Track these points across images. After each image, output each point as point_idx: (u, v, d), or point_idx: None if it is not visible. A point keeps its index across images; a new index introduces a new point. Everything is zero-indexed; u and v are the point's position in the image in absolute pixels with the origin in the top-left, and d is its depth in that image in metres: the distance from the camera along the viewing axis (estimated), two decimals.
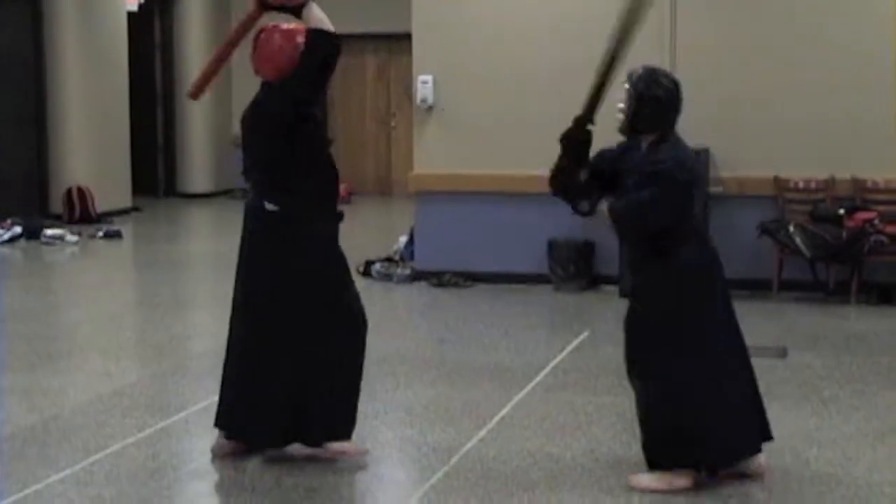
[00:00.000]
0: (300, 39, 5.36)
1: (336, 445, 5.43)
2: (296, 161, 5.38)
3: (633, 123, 5.31)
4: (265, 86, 5.49)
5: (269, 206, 5.39)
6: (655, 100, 5.26)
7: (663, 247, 5.21)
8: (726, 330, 5.25)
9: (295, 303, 5.35)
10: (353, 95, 18.66)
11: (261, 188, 5.47)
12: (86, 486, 5.20)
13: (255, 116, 5.48)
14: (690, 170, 5.33)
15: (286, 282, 5.36)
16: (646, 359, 5.21)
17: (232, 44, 5.54)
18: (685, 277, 5.21)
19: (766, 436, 5.33)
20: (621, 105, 5.32)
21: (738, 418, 5.18)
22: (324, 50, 5.30)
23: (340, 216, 5.58)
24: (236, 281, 5.56)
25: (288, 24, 5.45)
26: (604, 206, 5.28)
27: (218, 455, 5.55)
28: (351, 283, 5.55)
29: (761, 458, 5.26)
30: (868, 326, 8.69)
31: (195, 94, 5.66)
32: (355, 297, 5.53)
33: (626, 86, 5.32)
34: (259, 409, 5.38)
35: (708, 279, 5.24)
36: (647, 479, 5.17)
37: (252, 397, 5.39)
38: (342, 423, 5.45)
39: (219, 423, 5.56)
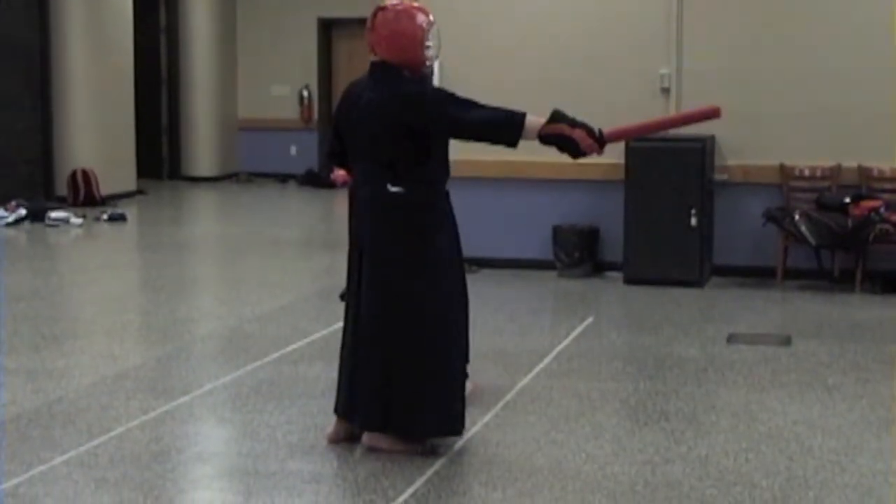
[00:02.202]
0: (421, 19, 5.34)
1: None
2: (421, 150, 5.35)
3: None
4: (384, 68, 5.37)
5: (394, 189, 5.31)
6: None
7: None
8: None
9: (428, 279, 5.36)
10: None
11: (382, 173, 5.33)
12: (90, 468, 5.20)
13: (394, 100, 5.29)
14: None
15: (418, 260, 5.35)
16: None
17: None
18: None
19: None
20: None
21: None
22: (501, 141, 5.34)
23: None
24: (356, 270, 5.44)
25: (403, 2, 5.41)
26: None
27: (333, 441, 5.52)
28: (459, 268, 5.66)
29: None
30: (873, 315, 8.68)
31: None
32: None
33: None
34: (417, 398, 5.34)
35: None
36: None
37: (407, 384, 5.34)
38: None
39: (346, 412, 5.50)
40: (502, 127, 5.27)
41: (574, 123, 5.24)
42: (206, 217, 15.96)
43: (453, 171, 10.29)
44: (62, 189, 15.05)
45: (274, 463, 5.28)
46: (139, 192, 16.20)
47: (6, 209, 13.30)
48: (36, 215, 13.34)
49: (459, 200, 10.21)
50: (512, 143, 5.30)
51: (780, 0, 9.86)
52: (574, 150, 5.26)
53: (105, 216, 13.73)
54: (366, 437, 5.44)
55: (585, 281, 9.94)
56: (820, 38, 9.73)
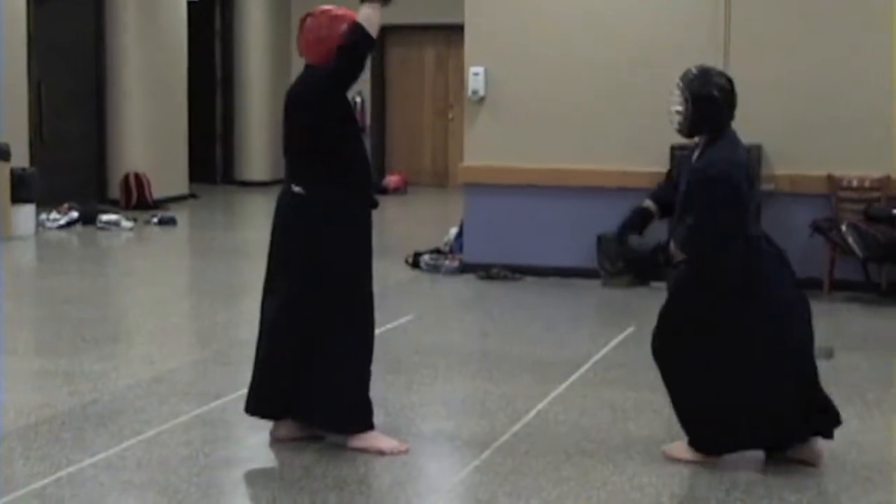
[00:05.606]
0: (343, 28, 5.40)
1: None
2: (325, 145, 5.42)
3: (692, 125, 5.38)
4: (306, 68, 5.56)
5: (296, 189, 5.42)
6: (711, 99, 5.36)
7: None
8: (757, 326, 5.22)
9: (315, 291, 5.40)
10: (411, 86, 18.66)
11: (291, 170, 5.52)
12: (117, 471, 5.23)
13: (293, 97, 5.53)
14: (742, 167, 5.34)
15: (309, 269, 5.39)
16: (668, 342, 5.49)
17: None
18: (722, 273, 5.24)
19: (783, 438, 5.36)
20: (678, 108, 5.35)
21: (740, 415, 5.25)
22: (360, 46, 5.34)
23: (373, 204, 5.59)
24: (267, 266, 5.60)
25: (334, 8, 5.49)
26: (672, 246, 5.40)
27: (277, 438, 5.60)
28: (365, 273, 5.57)
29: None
30: None
31: None
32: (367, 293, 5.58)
33: (680, 87, 5.32)
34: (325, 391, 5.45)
35: (744, 277, 5.24)
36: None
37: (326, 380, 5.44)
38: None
39: (263, 410, 5.61)
40: (360, 34, 5.32)
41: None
42: (256, 221, 15.97)
43: (498, 178, 10.42)
44: (115, 192, 15.18)
45: (299, 469, 5.28)
46: (191, 195, 16.31)
47: (58, 212, 13.43)
48: (87, 218, 13.46)
49: (504, 207, 10.38)
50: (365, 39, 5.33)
51: (828, 8, 9.74)
52: None
53: (155, 220, 13.82)
54: (350, 440, 5.49)
55: (629, 290, 9.86)
56: (869, 47, 9.60)
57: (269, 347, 5.52)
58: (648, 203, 5.63)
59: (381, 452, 5.42)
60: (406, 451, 5.46)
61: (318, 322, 5.42)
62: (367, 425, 5.51)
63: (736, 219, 5.26)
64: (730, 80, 5.45)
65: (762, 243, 5.40)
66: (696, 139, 5.48)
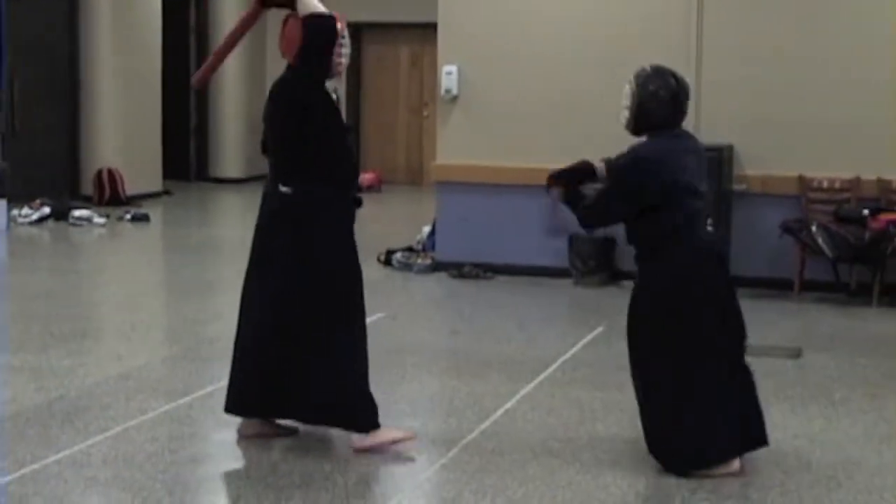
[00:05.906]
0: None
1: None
2: (310, 144, 5.39)
3: (635, 121, 5.37)
4: (287, 68, 5.55)
5: (283, 189, 5.38)
6: (655, 98, 5.32)
7: (644, 249, 5.43)
8: (708, 335, 5.22)
9: (304, 289, 5.37)
10: (386, 84, 18.63)
11: (276, 170, 5.48)
12: (82, 467, 5.21)
13: (275, 95, 5.52)
14: (645, 168, 5.28)
15: (298, 267, 5.37)
16: (633, 358, 5.38)
17: (234, 39, 5.63)
18: (660, 282, 5.25)
19: (751, 444, 5.31)
20: (626, 103, 5.35)
21: (709, 424, 5.18)
22: (321, 33, 5.40)
23: (358, 202, 5.58)
24: (249, 267, 5.56)
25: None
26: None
27: (245, 435, 5.59)
28: (354, 271, 5.54)
29: (736, 464, 5.25)
30: (888, 329, 8.59)
31: (199, 84, 5.77)
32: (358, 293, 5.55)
33: (631, 84, 5.36)
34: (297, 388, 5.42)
35: (687, 285, 5.23)
36: None
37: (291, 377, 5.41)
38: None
39: (241, 409, 5.58)
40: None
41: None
42: (230, 219, 15.98)
43: (471, 177, 10.42)
44: (88, 188, 15.12)
45: (266, 466, 5.27)
46: (165, 192, 16.24)
47: (30, 207, 13.37)
48: (59, 214, 13.40)
49: (476, 206, 10.39)
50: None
51: (800, 11, 9.77)
52: None
53: (128, 216, 13.77)
54: (353, 439, 5.45)
55: (600, 289, 9.89)
56: (841, 49, 9.63)
57: (255, 347, 5.45)
58: (600, 165, 5.51)
59: (394, 442, 5.41)
60: (413, 438, 5.48)
61: (306, 320, 5.38)
62: (374, 423, 5.44)
63: (615, 217, 5.44)
64: (680, 82, 5.37)
65: (705, 245, 5.39)
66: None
